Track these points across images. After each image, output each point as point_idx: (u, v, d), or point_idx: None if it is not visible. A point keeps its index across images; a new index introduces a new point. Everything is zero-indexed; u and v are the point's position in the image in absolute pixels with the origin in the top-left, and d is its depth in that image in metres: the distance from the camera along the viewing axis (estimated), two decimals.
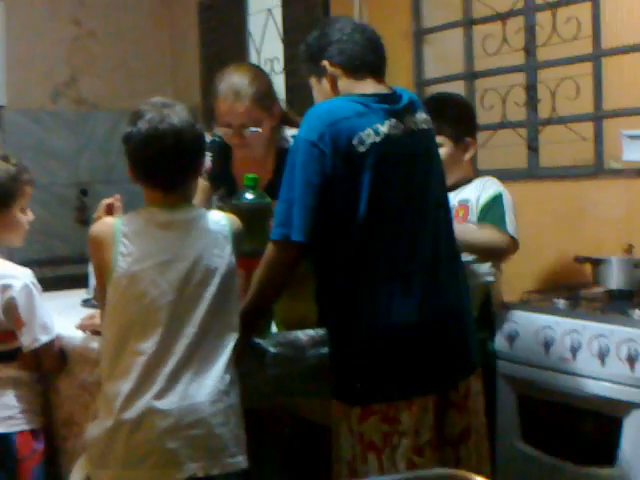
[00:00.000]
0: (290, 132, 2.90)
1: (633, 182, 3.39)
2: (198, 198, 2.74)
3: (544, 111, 3.82)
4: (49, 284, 2.62)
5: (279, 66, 5.14)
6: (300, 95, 2.76)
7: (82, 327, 2.61)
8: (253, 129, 2.77)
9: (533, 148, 3.85)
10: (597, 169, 3.58)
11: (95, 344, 2.41)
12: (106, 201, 2.55)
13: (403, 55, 4.23)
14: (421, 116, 2.39)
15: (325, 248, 2.29)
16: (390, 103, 2.33)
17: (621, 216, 3.39)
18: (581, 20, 3.60)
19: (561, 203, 3.63)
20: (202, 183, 2.87)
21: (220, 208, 2.77)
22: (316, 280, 2.39)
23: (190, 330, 2.18)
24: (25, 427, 2.55)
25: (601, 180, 3.54)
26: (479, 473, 1.18)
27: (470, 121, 3.06)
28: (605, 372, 2.63)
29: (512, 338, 2.88)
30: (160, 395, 2.14)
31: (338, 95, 2.37)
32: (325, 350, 2.40)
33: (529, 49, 3.84)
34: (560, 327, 2.76)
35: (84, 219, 5.14)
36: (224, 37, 5.56)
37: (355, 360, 2.29)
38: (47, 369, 2.61)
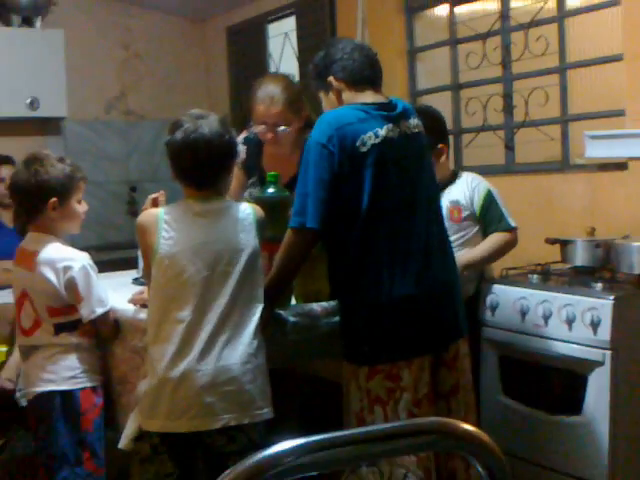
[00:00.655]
0: None
1: (594, 175, 3.39)
2: (233, 184, 2.70)
3: (519, 116, 3.82)
4: (105, 266, 2.63)
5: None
6: (313, 104, 2.76)
7: (133, 301, 2.61)
8: (284, 128, 2.77)
9: (509, 147, 3.85)
10: (564, 165, 3.58)
11: (143, 315, 2.40)
12: (152, 196, 2.56)
13: (399, 70, 4.22)
14: (414, 121, 2.37)
15: (335, 233, 2.27)
16: (387, 110, 2.31)
17: (584, 204, 3.39)
18: (549, 39, 3.60)
19: (533, 194, 3.62)
20: (237, 172, 2.87)
21: (250, 194, 2.78)
22: (328, 260, 2.38)
23: (222, 301, 2.18)
24: (86, 385, 2.55)
25: (567, 174, 3.54)
26: (467, 422, 1.17)
27: (440, 130, 2.97)
28: (572, 336, 2.62)
29: (494, 308, 2.88)
30: (199, 358, 2.14)
31: (343, 105, 2.35)
32: (336, 319, 2.40)
33: (505, 64, 3.83)
34: (534, 298, 2.76)
35: (133, 211, 5.16)
36: (248, 57, 5.55)
37: (363, 327, 2.28)
38: (104, 336, 2.61)
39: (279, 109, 2.77)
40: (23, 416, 3.14)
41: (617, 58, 3.28)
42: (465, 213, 2.89)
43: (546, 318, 2.70)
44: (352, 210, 2.23)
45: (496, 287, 2.89)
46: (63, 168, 2.58)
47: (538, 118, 3.72)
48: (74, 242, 2.70)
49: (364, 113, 2.27)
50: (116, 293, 2.71)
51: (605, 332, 2.52)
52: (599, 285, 2.67)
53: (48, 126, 5.08)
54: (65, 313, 2.54)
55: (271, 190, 2.51)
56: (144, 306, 2.44)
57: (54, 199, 2.54)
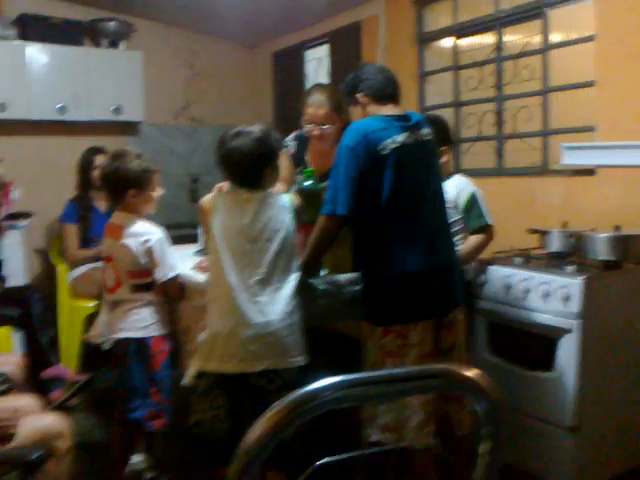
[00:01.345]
0: None
1: (569, 179, 3.34)
2: (284, 173, 2.74)
3: (508, 129, 3.78)
4: (172, 242, 2.63)
5: None
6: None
7: (195, 268, 2.63)
8: (328, 127, 2.76)
9: (499, 154, 3.81)
10: (544, 170, 3.53)
11: (203, 279, 2.42)
12: (218, 185, 2.55)
13: (411, 90, 4.18)
14: (426, 130, 2.35)
15: (359, 219, 2.26)
16: (404, 121, 2.30)
17: (560, 202, 3.36)
18: (534, 67, 3.56)
19: (518, 193, 3.59)
20: (287, 162, 2.89)
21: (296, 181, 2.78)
22: (352, 241, 2.38)
23: (262, 270, 2.19)
24: (157, 333, 2.57)
25: (546, 177, 3.50)
26: None
27: (444, 135, 2.88)
28: (547, 308, 2.59)
29: (484, 284, 2.85)
30: (245, 314, 2.16)
31: (368, 116, 2.34)
32: (357, 288, 2.37)
33: (498, 86, 3.78)
34: (517, 276, 2.73)
35: (194, 198, 5.18)
36: (289, 77, 5.53)
37: (379, 296, 2.27)
38: (172, 296, 2.63)
39: (325, 111, 2.76)
40: (106, 358, 3.18)
41: (590, 84, 3.23)
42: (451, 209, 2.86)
43: (526, 293, 2.67)
44: (374, 201, 2.22)
45: (487, 268, 2.86)
46: (140, 164, 2.59)
47: (523, 131, 3.68)
48: (149, 220, 2.70)
49: (385, 123, 2.25)
50: (182, 262, 2.73)
51: (574, 305, 2.49)
52: (570, 268, 2.63)
53: (128, 128, 5.10)
54: (142, 276, 2.57)
55: (308, 183, 2.51)
56: (204, 272, 2.46)
57: (132, 190, 2.56)
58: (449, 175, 2.90)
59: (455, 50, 4.06)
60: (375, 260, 2.26)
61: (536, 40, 3.55)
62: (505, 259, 2.92)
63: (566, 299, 2.52)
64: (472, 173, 3.20)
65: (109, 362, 3.00)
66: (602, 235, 2.69)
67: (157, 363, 2.54)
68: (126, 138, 4.98)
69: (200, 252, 3.04)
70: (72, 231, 4.06)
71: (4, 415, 1.98)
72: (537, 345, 2.68)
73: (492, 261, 2.89)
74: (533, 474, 2.60)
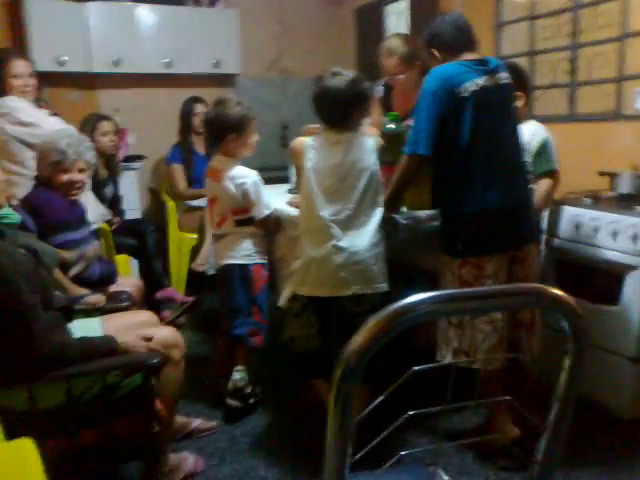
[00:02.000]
0: None
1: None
2: (374, 115, 2.70)
3: (581, 76, 3.55)
4: (265, 182, 2.65)
5: None
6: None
7: (290, 203, 2.65)
8: (400, 76, 2.69)
9: (572, 101, 3.61)
10: (616, 115, 3.32)
11: (296, 213, 2.44)
12: (310, 126, 2.53)
13: (488, 40, 3.98)
14: (504, 75, 2.24)
15: (439, 159, 2.20)
16: (483, 65, 2.20)
17: (631, 146, 3.16)
18: (610, 14, 3.30)
19: (590, 138, 3.40)
20: (377, 107, 2.86)
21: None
22: (432, 179, 2.33)
23: (350, 205, 2.18)
24: (257, 261, 2.62)
25: (618, 123, 3.29)
26: None
27: (520, 81, 2.66)
28: (615, 246, 2.49)
29: (556, 223, 2.75)
30: (335, 244, 2.16)
31: None
32: (436, 223, 2.34)
33: (574, 34, 3.55)
34: (586, 216, 2.62)
35: (284, 143, 5.21)
36: (370, 32, 5.37)
37: (458, 230, 2.22)
38: (270, 229, 2.66)
39: (394, 62, 2.69)
40: (209, 282, 3.29)
41: None
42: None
43: (595, 231, 2.57)
44: (454, 141, 2.16)
45: (559, 207, 2.76)
46: (240, 110, 2.59)
47: (597, 78, 3.46)
48: (244, 164, 2.73)
49: (465, 67, 2.16)
50: (277, 199, 2.76)
51: None
52: (638, 208, 2.51)
53: (226, 80, 5.11)
54: (243, 212, 2.61)
55: (391, 126, 2.46)
56: (296, 207, 2.48)
57: (233, 134, 2.57)
58: (524, 120, 2.78)
59: (531, 0, 3.82)
60: (455, 197, 2.21)
61: None
62: (575, 199, 2.80)
63: (634, 238, 2.41)
64: (545, 119, 3.04)
65: (213, 286, 3.10)
66: None
67: (257, 287, 2.60)
68: (224, 89, 5.00)
69: (292, 190, 3.06)
70: (178, 170, 4.20)
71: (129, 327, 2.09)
72: (604, 281, 2.59)
73: (563, 201, 2.78)
74: (595, 401, 2.55)
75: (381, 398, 0.86)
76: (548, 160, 2.63)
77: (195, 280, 3.84)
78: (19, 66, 3.03)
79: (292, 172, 3.09)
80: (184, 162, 4.21)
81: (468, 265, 2.20)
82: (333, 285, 2.18)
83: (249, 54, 5.13)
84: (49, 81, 4.14)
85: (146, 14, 4.61)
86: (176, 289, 3.84)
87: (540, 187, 2.63)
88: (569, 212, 2.71)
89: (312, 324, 2.26)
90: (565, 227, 2.71)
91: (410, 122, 2.28)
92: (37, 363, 1.68)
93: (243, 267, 2.59)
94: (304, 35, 5.52)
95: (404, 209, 2.51)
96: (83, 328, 1.97)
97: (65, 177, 2.55)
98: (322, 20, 5.62)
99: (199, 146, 4.28)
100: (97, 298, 2.42)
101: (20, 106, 2.97)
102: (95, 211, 3.25)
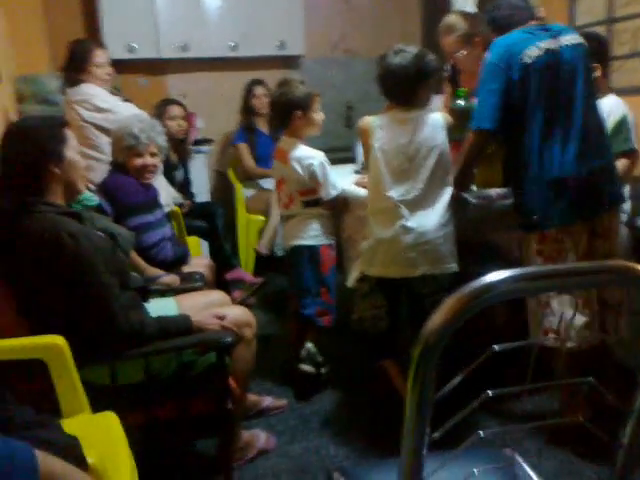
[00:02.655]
0: None
1: None
2: (446, 92, 2.72)
3: None
4: (331, 163, 2.64)
5: None
6: None
7: (357, 184, 2.64)
8: (460, 53, 2.63)
9: None
10: None
11: (364, 193, 2.42)
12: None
13: (561, 9, 3.81)
14: (572, 36, 2.15)
15: (509, 131, 2.14)
16: (547, 30, 2.14)
17: None
18: None
19: None
20: (446, 84, 2.85)
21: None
22: (504, 153, 2.26)
23: (419, 185, 2.15)
24: (325, 242, 2.63)
25: None
26: None
27: (597, 51, 2.54)
28: None
29: (637, 197, 2.63)
30: (404, 225, 2.14)
31: None
32: (507, 202, 2.28)
33: None
34: None
35: (349, 124, 5.19)
36: (437, 8, 5.24)
37: (532, 201, 2.14)
38: (337, 210, 2.66)
39: (452, 40, 2.64)
40: (276, 263, 3.32)
41: None
42: None
43: None
44: (521, 109, 2.09)
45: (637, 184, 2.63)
46: (303, 89, 2.60)
47: None
48: (310, 144, 2.73)
49: (527, 34, 2.11)
50: (344, 179, 2.75)
51: None
52: None
53: (291, 62, 5.11)
54: (310, 193, 2.61)
55: (460, 102, 2.41)
56: (364, 187, 2.46)
57: (299, 112, 2.58)
58: (602, 94, 2.66)
59: None
60: (526, 167, 2.13)
61: None
62: None
63: None
64: (624, 91, 2.89)
65: (281, 267, 3.14)
66: None
67: (325, 268, 2.61)
68: (289, 71, 5.00)
69: (358, 171, 3.04)
70: (245, 149, 4.34)
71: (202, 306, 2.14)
72: None
73: None
74: None
75: (459, 377, 0.84)
76: (626, 139, 2.51)
77: (263, 261, 3.90)
78: (101, 55, 3.13)
79: (359, 152, 3.07)
80: (248, 142, 4.32)
81: (546, 239, 2.13)
82: (401, 266, 2.16)
83: (313, 35, 5.11)
84: (120, 68, 4.26)
85: None
86: (244, 270, 3.91)
87: (617, 168, 2.52)
88: None
89: (381, 305, 2.25)
90: None
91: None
92: (117, 341, 1.75)
93: (311, 248, 2.60)
94: (369, 14, 5.44)
95: (474, 188, 2.46)
96: (159, 307, 2.03)
97: (139, 161, 2.62)
98: None
99: (262, 126, 4.39)
100: (172, 279, 2.49)
101: (97, 93, 3.07)
102: (167, 194, 3.34)
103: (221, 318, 1.97)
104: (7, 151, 1.76)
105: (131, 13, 4.40)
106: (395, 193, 2.16)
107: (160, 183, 3.19)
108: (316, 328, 2.66)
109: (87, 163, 2.76)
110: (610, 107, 2.56)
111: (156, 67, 4.75)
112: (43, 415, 1.34)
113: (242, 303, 3.40)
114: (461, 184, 2.28)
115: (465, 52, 2.64)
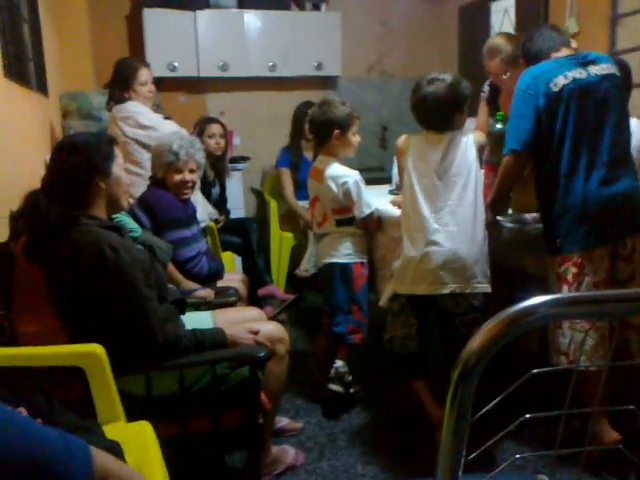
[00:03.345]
0: None
1: None
2: (481, 114, 2.78)
3: None
4: (365, 183, 2.65)
5: None
6: None
7: (393, 203, 2.65)
8: (505, 76, 2.64)
9: None
10: None
11: (398, 213, 2.43)
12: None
13: (602, 34, 3.79)
14: (605, 65, 2.15)
15: (538, 156, 2.17)
16: (578, 60, 2.15)
17: None
18: None
19: None
20: (484, 106, 2.91)
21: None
22: (534, 177, 2.27)
23: (450, 202, 2.17)
24: (357, 260, 2.63)
25: None
26: None
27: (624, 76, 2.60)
28: None
29: None
30: (435, 243, 2.15)
31: None
32: (541, 226, 2.27)
33: None
34: None
35: (384, 145, 5.21)
36: (474, 29, 5.26)
37: (555, 225, 2.16)
38: (370, 229, 2.66)
39: (496, 63, 2.66)
40: (310, 281, 3.33)
41: None
42: None
43: None
44: (550, 136, 2.11)
45: None
46: (344, 109, 2.62)
47: None
48: (348, 164, 2.75)
49: (556, 63, 2.15)
50: (378, 199, 2.76)
51: None
52: None
53: (328, 82, 5.18)
54: (343, 212, 2.62)
55: (498, 126, 2.41)
56: (399, 207, 2.47)
57: (337, 131, 2.60)
58: None
59: None
60: (552, 192, 2.14)
61: None
62: None
63: None
64: None
65: (313, 285, 3.15)
66: None
67: (357, 286, 2.61)
68: (325, 92, 5.07)
69: (393, 191, 3.05)
70: (286, 174, 4.16)
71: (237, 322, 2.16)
72: None
73: None
74: None
75: (498, 399, 0.84)
76: None
77: (295, 279, 3.91)
78: (145, 74, 3.21)
79: (394, 172, 3.08)
80: (292, 166, 4.15)
81: (568, 262, 2.13)
82: (430, 283, 2.16)
83: (350, 56, 5.17)
84: (161, 86, 4.37)
85: (252, 20, 4.76)
86: (277, 286, 3.93)
87: None
88: None
89: (412, 324, 2.25)
90: None
91: None
92: (153, 353, 1.77)
93: (344, 266, 2.61)
94: (406, 35, 5.49)
95: (510, 211, 2.45)
96: (195, 321, 2.06)
97: (177, 177, 2.68)
98: (424, 20, 5.57)
99: (308, 152, 4.23)
100: (207, 292, 2.52)
101: (141, 110, 3.15)
102: (203, 210, 3.39)
103: (255, 333, 1.98)
104: (57, 163, 1.82)
105: (173, 33, 4.52)
106: (427, 210, 2.17)
107: (197, 199, 3.24)
108: (347, 346, 2.66)
109: (130, 180, 2.83)
110: (632, 130, 2.54)
111: (196, 85, 4.86)
112: (87, 420, 1.37)
113: (273, 319, 3.41)
114: (496, 207, 2.28)
115: (509, 74, 2.65)
